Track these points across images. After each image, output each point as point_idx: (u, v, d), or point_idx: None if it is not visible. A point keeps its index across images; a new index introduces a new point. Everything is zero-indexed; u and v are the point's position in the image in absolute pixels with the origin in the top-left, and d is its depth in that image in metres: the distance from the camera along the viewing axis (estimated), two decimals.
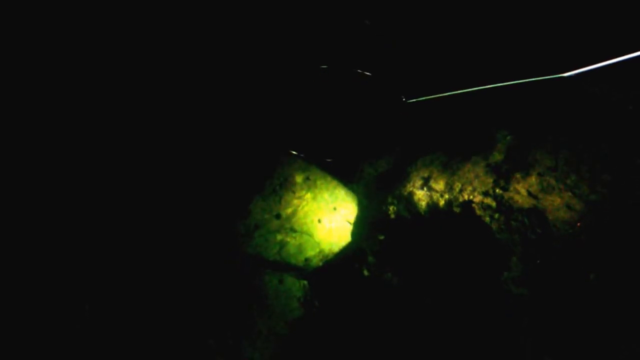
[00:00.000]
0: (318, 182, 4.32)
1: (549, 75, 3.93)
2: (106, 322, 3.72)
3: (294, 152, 4.27)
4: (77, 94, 4.54)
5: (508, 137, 4.13)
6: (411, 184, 4.19)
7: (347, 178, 4.41)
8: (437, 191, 4.07)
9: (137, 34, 4.64)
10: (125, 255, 4.05)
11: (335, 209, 4.23)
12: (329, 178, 4.37)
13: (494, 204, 3.87)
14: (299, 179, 4.34)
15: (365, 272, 4.11)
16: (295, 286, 3.94)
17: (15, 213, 4.06)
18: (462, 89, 4.21)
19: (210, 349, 3.44)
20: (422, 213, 4.07)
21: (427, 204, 4.05)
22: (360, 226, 4.23)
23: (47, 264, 3.85)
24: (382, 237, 4.18)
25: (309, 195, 4.31)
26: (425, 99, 4.19)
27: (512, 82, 4.00)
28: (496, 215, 3.85)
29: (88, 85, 4.56)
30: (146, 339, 3.62)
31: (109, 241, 4.10)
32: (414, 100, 4.23)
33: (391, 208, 4.21)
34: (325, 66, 4.68)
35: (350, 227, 4.20)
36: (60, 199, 4.16)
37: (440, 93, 4.22)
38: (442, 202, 4.00)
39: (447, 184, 4.07)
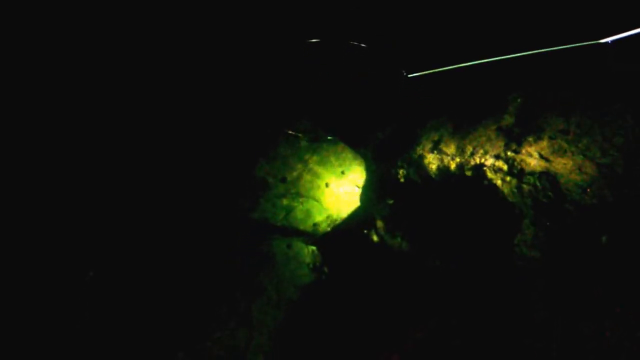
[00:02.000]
0: (324, 145, 4.21)
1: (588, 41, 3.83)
2: (115, 290, 3.63)
3: (292, 132, 4.13)
4: (77, 91, 4.33)
5: (519, 100, 4.05)
6: (421, 147, 4.11)
7: (355, 142, 4.30)
8: (447, 154, 4.00)
9: (128, 25, 4.42)
10: (135, 227, 3.95)
11: (343, 172, 4.14)
12: (336, 141, 4.25)
13: (505, 167, 3.81)
14: (303, 141, 4.22)
15: (375, 237, 4.06)
16: (304, 252, 3.88)
17: (15, 211, 3.90)
18: (473, 60, 4.09)
19: (222, 315, 3.37)
20: (433, 177, 4.01)
21: (438, 167, 3.99)
22: (369, 190, 4.15)
23: (48, 258, 3.72)
24: (391, 202, 4.12)
25: (315, 158, 4.20)
26: (430, 72, 4.06)
27: (545, 50, 3.89)
28: (508, 178, 3.80)
29: (87, 81, 4.35)
30: (158, 308, 3.54)
31: (119, 216, 3.99)
32: (417, 74, 4.09)
33: (401, 172, 4.13)
34: (323, 40, 4.51)
35: (359, 192, 4.12)
36: (69, 186, 4.01)
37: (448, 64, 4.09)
38: (453, 166, 3.94)
39: (458, 147, 3.99)
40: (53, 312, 3.56)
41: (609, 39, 3.85)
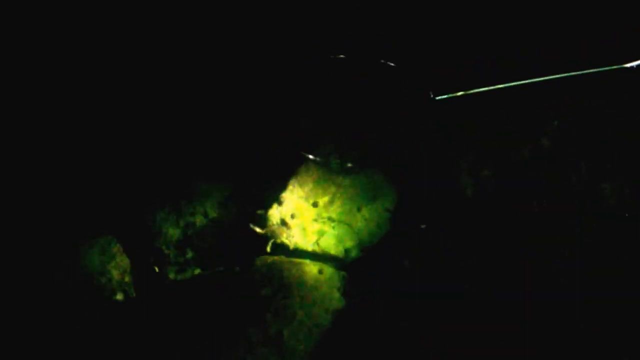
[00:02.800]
0: (356, 168, 4.17)
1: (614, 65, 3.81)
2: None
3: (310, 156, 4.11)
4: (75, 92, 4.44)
5: (556, 123, 3.98)
6: (455, 169, 4.04)
7: (385, 166, 4.25)
8: (483, 177, 3.92)
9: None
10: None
11: (374, 196, 4.08)
12: (367, 164, 4.22)
13: (541, 188, 3.72)
14: (334, 164, 4.19)
15: (407, 263, 3.96)
16: (335, 277, 3.79)
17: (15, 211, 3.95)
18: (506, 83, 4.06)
19: (253, 338, 3.29)
20: (468, 200, 3.92)
21: (473, 191, 3.90)
22: (401, 215, 4.07)
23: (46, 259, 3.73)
24: (424, 226, 4.03)
25: (346, 182, 4.16)
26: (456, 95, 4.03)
27: (570, 74, 3.86)
28: (544, 201, 3.71)
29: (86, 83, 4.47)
30: (183, 330, 3.48)
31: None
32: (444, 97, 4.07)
33: (434, 195, 4.06)
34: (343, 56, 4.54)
35: (389, 216, 4.04)
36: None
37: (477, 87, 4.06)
38: (488, 188, 3.85)
39: (493, 169, 3.92)
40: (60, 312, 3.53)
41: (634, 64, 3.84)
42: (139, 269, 4.12)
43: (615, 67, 3.88)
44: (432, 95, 4.17)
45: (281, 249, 4.02)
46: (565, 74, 3.86)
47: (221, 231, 4.22)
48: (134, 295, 3.98)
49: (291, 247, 4.00)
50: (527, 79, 3.99)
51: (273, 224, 4.07)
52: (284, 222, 4.07)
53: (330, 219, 4.10)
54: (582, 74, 3.88)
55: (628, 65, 3.85)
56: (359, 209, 4.12)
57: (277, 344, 3.36)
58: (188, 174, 4.43)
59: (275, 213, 4.12)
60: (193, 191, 4.38)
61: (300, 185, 4.20)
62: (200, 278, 3.92)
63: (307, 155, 4.25)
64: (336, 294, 3.72)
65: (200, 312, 3.58)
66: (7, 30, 4.52)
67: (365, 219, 4.11)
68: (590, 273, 3.45)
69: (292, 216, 4.09)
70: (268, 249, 3.99)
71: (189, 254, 4.19)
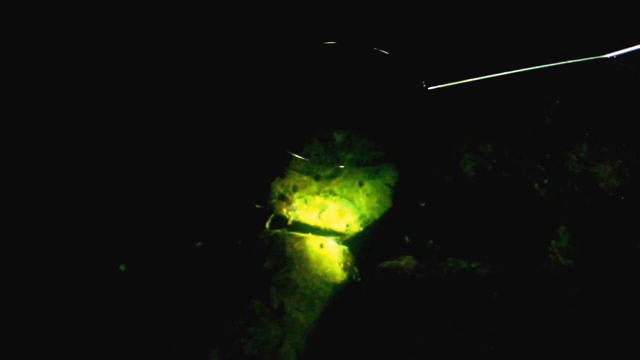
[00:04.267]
0: (359, 144, 4.18)
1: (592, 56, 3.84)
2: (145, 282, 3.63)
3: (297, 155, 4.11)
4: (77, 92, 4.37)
5: (557, 102, 4.00)
6: (456, 147, 4.06)
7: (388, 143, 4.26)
8: (483, 155, 3.95)
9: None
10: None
11: (377, 172, 4.10)
12: (370, 140, 4.23)
13: (543, 168, 3.76)
14: (338, 138, 4.20)
15: (407, 239, 4.01)
16: (336, 251, 3.84)
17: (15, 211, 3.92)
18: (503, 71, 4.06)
19: (256, 309, 3.34)
20: (468, 177, 3.95)
21: (473, 168, 3.93)
22: (402, 191, 4.11)
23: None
24: (423, 204, 4.07)
25: (349, 157, 4.17)
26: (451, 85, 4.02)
27: (553, 64, 3.87)
28: (545, 181, 3.75)
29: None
30: (186, 301, 3.52)
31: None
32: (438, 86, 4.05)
33: (434, 172, 4.09)
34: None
35: (391, 192, 4.07)
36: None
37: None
38: (489, 166, 3.88)
39: (494, 147, 3.94)
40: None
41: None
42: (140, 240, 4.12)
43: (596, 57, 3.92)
44: (425, 85, 4.16)
45: (282, 222, 4.05)
46: (552, 64, 3.88)
47: (221, 202, 4.22)
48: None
49: (292, 220, 4.02)
50: (522, 68, 3.99)
51: (275, 197, 4.08)
52: (285, 195, 4.09)
53: (332, 192, 4.12)
54: (567, 64, 3.90)
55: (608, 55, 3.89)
56: (360, 184, 4.14)
57: (279, 316, 3.42)
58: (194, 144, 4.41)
59: (277, 186, 4.13)
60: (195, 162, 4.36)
61: (303, 159, 4.21)
62: (201, 250, 3.94)
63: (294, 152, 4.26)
64: (337, 268, 3.77)
65: (203, 283, 3.61)
66: (8, 31, 4.43)
67: (366, 193, 4.14)
68: (588, 254, 3.52)
69: (294, 188, 4.11)
70: (268, 223, 4.00)
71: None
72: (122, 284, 3.80)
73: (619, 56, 3.89)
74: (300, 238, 3.86)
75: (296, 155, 4.13)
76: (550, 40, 4.11)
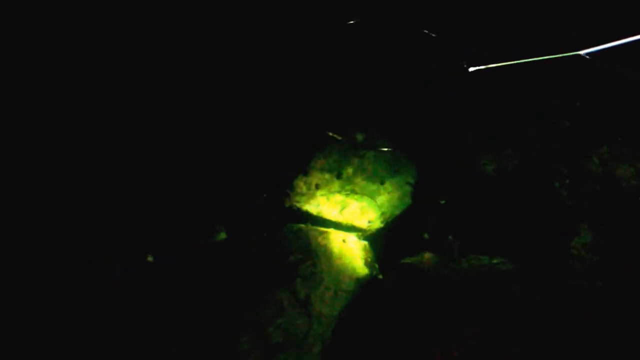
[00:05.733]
0: (379, 142, 4.27)
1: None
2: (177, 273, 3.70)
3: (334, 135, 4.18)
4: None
5: (577, 104, 4.08)
6: (476, 146, 4.15)
7: (407, 141, 4.35)
8: (505, 154, 4.03)
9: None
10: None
11: (397, 171, 4.19)
12: (391, 139, 4.32)
13: (565, 169, 3.83)
14: (359, 137, 4.28)
15: (426, 235, 4.08)
16: (358, 246, 3.92)
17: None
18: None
19: (282, 301, 3.42)
20: (489, 177, 4.03)
21: (494, 169, 4.01)
22: (422, 189, 4.18)
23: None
24: (443, 202, 4.15)
25: (370, 154, 4.26)
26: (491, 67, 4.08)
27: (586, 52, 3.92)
28: (567, 181, 3.82)
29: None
30: (214, 292, 3.60)
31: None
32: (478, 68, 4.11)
33: (455, 171, 4.17)
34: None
35: (411, 190, 4.15)
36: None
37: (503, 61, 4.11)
38: (510, 166, 3.96)
39: (515, 147, 4.03)
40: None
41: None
42: (167, 232, 4.20)
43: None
44: (466, 66, 4.19)
45: (306, 217, 4.13)
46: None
47: (247, 198, 4.31)
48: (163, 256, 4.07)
49: (315, 215, 4.11)
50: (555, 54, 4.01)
51: (298, 193, 4.17)
52: (308, 192, 4.17)
53: (353, 190, 4.21)
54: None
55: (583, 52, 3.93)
56: (382, 182, 4.23)
57: (306, 307, 3.49)
58: (215, 141, 4.49)
59: (300, 183, 4.21)
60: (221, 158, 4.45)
61: (325, 157, 4.30)
62: (227, 243, 4.02)
63: (332, 131, 4.33)
64: (359, 263, 3.85)
65: (231, 275, 3.69)
66: (8, 31, 4.49)
67: (387, 191, 4.22)
68: (609, 251, 3.59)
69: (317, 186, 4.19)
70: (293, 217, 4.09)
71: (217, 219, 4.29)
72: (149, 276, 3.87)
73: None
74: (324, 232, 3.94)
75: (335, 136, 4.20)
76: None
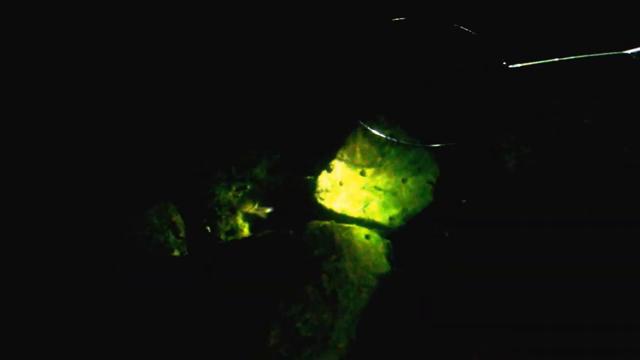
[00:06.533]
0: (402, 140, 4.33)
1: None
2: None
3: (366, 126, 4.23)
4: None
5: (595, 104, 4.11)
6: (497, 143, 4.19)
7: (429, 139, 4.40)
8: (525, 151, 4.07)
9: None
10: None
11: (420, 168, 4.25)
12: (414, 136, 4.38)
13: (584, 168, 3.87)
14: (383, 134, 4.34)
15: (447, 233, 4.14)
16: (380, 243, 4.00)
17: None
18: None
19: (309, 296, 3.51)
20: (509, 173, 4.08)
21: (515, 165, 4.06)
22: (443, 187, 4.25)
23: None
24: (464, 201, 4.20)
25: (393, 153, 4.33)
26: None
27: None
28: (585, 180, 3.85)
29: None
30: (241, 287, 3.70)
31: None
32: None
33: (475, 169, 4.22)
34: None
35: (432, 188, 4.22)
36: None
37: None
38: (530, 162, 4.01)
39: (535, 144, 4.07)
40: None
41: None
42: (192, 230, 4.31)
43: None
44: (506, 63, 4.18)
45: (330, 214, 4.21)
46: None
47: (271, 195, 4.40)
48: (187, 253, 4.18)
49: (339, 212, 4.19)
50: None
51: (322, 190, 4.25)
52: (332, 189, 4.26)
53: (376, 187, 4.29)
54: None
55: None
56: (404, 180, 4.30)
57: (331, 302, 3.59)
58: (239, 140, 4.58)
59: (324, 180, 4.30)
60: (243, 157, 4.54)
61: (349, 154, 4.37)
62: (252, 239, 4.12)
63: (357, 126, 4.39)
64: (383, 259, 3.93)
65: (258, 271, 3.80)
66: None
67: (409, 189, 4.29)
68: (630, 251, 3.62)
69: (340, 183, 4.27)
70: (318, 214, 4.18)
71: (240, 217, 4.39)
72: (175, 272, 3.98)
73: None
74: (348, 228, 4.03)
75: (369, 128, 4.27)
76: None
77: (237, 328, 3.42)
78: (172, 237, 4.13)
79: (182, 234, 4.18)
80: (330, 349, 3.39)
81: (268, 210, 4.12)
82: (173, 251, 4.07)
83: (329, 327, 3.44)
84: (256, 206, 4.10)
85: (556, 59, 3.96)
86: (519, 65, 4.07)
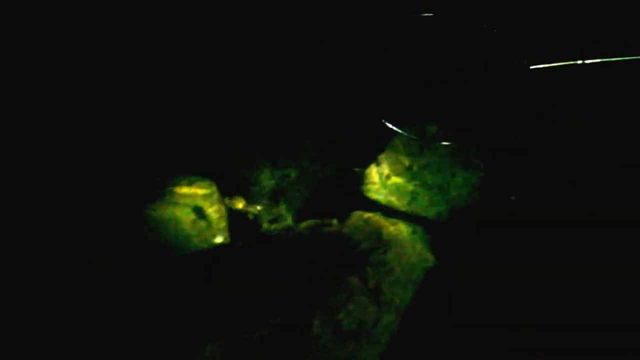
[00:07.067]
0: (452, 136, 4.22)
1: None
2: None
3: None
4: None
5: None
6: (542, 144, 4.06)
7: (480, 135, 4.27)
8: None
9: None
10: None
11: (468, 165, 4.13)
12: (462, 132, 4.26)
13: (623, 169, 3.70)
14: (432, 129, 4.24)
15: (495, 231, 4.02)
16: (426, 238, 3.89)
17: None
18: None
19: (353, 288, 3.44)
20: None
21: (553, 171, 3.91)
22: (491, 185, 4.12)
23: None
24: (513, 198, 4.06)
25: (442, 147, 4.22)
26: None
27: None
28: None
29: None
30: (281, 276, 3.65)
31: None
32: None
33: (525, 166, 4.08)
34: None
35: (480, 185, 4.09)
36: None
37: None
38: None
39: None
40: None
41: None
42: (234, 216, 4.29)
43: None
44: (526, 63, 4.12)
45: (375, 206, 4.13)
46: None
47: (316, 185, 4.35)
48: (230, 240, 4.16)
49: (385, 205, 4.10)
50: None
51: (369, 182, 4.17)
52: (379, 181, 4.17)
53: (424, 182, 4.18)
54: None
55: None
56: (452, 175, 4.17)
57: (376, 295, 3.50)
58: (285, 127, 4.55)
59: (371, 172, 4.22)
60: (289, 144, 4.50)
61: (398, 148, 4.28)
62: (295, 228, 4.07)
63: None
64: (429, 255, 3.82)
65: (300, 258, 3.74)
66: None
67: (457, 185, 4.17)
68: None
69: (388, 176, 4.18)
70: (362, 205, 4.10)
71: (283, 205, 4.34)
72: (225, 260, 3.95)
73: None
74: (394, 222, 3.93)
75: (401, 131, 4.21)
76: None
77: (280, 317, 3.36)
78: (215, 223, 4.11)
79: (224, 221, 4.14)
80: (373, 343, 3.30)
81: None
82: (216, 237, 4.04)
83: (373, 321, 3.35)
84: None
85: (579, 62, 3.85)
86: (541, 66, 3.97)
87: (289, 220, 4.26)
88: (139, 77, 4.64)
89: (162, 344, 3.35)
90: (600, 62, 3.93)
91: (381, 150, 4.30)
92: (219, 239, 4.07)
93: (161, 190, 4.13)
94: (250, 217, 4.28)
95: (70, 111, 4.47)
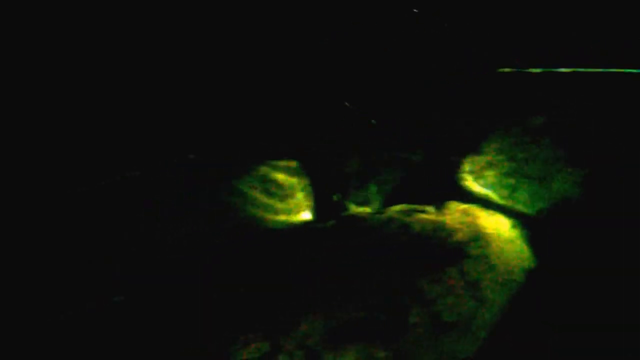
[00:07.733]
0: (557, 129, 3.95)
1: None
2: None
3: None
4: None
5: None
6: None
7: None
8: None
9: None
10: None
11: (575, 160, 3.87)
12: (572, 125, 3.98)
13: None
14: (537, 121, 3.98)
15: (597, 232, 3.75)
16: (524, 234, 3.65)
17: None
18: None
19: (451, 279, 3.26)
20: None
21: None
22: (602, 182, 3.83)
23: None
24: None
25: (547, 140, 3.95)
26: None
27: None
28: None
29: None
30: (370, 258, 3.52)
31: None
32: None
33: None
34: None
35: (587, 182, 3.81)
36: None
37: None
38: None
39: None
40: None
41: None
42: (319, 195, 4.19)
43: None
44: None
45: (472, 196, 3.93)
46: None
47: (406, 171, 4.18)
48: (314, 218, 4.06)
49: (483, 197, 3.89)
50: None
51: (467, 171, 3.97)
52: (478, 171, 3.96)
53: (525, 175, 3.94)
54: None
55: None
56: (558, 170, 3.92)
57: (474, 290, 3.31)
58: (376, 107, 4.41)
59: (470, 161, 4.02)
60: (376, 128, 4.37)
61: (500, 138, 4.07)
62: (386, 213, 3.93)
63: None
64: (529, 253, 3.60)
65: (390, 244, 3.59)
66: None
67: (562, 181, 3.91)
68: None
69: (487, 167, 3.97)
70: (458, 194, 3.91)
71: (372, 188, 4.21)
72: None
73: None
74: (493, 215, 3.73)
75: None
76: None
77: (377, 304, 3.23)
78: (300, 199, 4.03)
79: (309, 199, 4.05)
80: (470, 339, 3.12)
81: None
82: (301, 210, 3.96)
83: (472, 316, 3.17)
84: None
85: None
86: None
87: (376, 204, 4.12)
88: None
89: (257, 315, 3.29)
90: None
91: (480, 139, 4.06)
92: (306, 216, 3.99)
93: (253, 166, 4.10)
94: (337, 199, 4.17)
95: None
